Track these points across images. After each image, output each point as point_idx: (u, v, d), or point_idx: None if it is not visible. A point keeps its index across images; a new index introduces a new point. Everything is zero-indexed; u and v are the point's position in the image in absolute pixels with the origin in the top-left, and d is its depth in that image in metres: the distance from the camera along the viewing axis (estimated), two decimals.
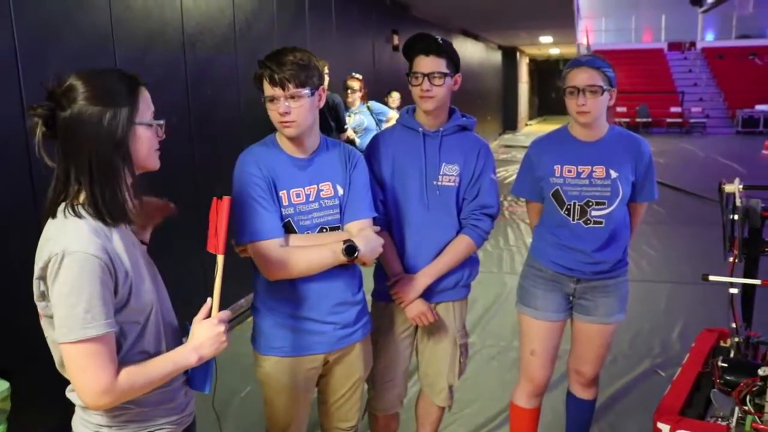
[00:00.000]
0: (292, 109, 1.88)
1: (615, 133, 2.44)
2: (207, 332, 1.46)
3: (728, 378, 2.22)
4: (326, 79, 5.11)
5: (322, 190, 2.00)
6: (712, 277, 2.53)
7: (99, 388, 1.30)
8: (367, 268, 2.13)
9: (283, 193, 1.96)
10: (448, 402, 2.51)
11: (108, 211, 1.35)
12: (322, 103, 1.99)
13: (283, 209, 1.96)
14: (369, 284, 2.45)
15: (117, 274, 1.33)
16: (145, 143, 1.41)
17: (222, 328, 1.48)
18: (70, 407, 1.48)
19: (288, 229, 1.97)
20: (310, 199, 1.98)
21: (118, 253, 1.36)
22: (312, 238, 1.98)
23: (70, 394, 1.45)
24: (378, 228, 2.07)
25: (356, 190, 2.04)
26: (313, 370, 2.08)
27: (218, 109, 4.46)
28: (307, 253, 1.92)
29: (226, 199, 1.56)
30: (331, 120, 5.05)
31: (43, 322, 1.39)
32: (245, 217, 1.88)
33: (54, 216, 1.35)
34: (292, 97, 1.88)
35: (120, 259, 1.35)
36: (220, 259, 1.53)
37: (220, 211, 1.55)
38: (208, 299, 1.51)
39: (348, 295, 2.06)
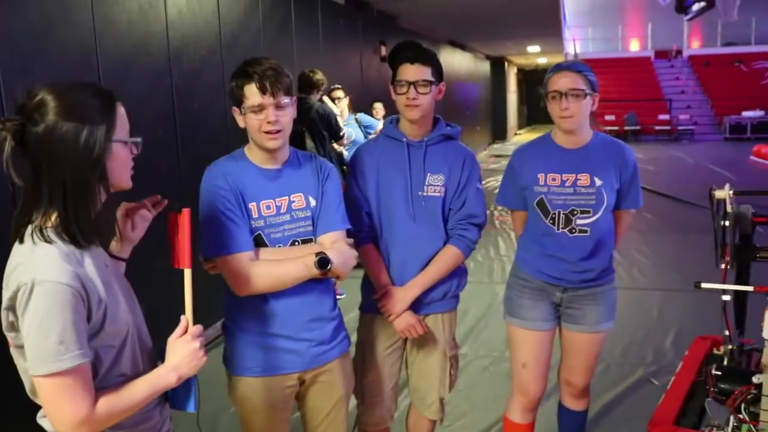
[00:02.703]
0: (280, 118, 1.84)
1: (599, 140, 2.42)
2: (182, 350, 1.41)
3: (722, 386, 2.21)
4: (321, 90, 5.12)
5: (294, 202, 1.95)
6: (704, 285, 2.51)
7: (76, 420, 1.25)
8: (355, 281, 2.09)
9: (252, 205, 1.90)
10: (440, 415, 2.47)
11: (81, 233, 1.29)
12: (295, 114, 1.94)
13: (252, 222, 1.90)
14: (357, 297, 2.42)
15: (90, 301, 1.28)
16: (121, 162, 1.36)
17: (197, 344, 1.43)
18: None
19: (259, 242, 1.91)
20: (282, 211, 1.93)
21: (91, 278, 1.30)
22: (283, 251, 1.92)
23: (41, 420, 1.39)
24: (351, 240, 2.02)
25: (329, 202, 1.99)
26: (289, 389, 2.00)
27: (205, 121, 4.43)
28: (278, 267, 1.86)
29: (186, 211, 1.51)
30: (323, 129, 5.01)
31: (13, 352, 1.33)
32: (213, 230, 1.82)
33: (21, 240, 1.28)
34: (279, 106, 1.84)
35: (93, 284, 1.30)
36: (187, 273, 1.49)
37: (181, 224, 1.51)
38: (182, 317, 1.46)
39: (322, 311, 2.00)
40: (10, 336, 1.29)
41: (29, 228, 1.29)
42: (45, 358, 1.22)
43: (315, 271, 1.85)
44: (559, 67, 2.36)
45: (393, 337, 2.35)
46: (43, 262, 1.24)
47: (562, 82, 2.30)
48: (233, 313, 1.98)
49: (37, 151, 1.26)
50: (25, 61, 2.95)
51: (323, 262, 1.84)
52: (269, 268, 1.85)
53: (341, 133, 5.26)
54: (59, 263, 1.25)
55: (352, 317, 2.49)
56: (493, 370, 3.93)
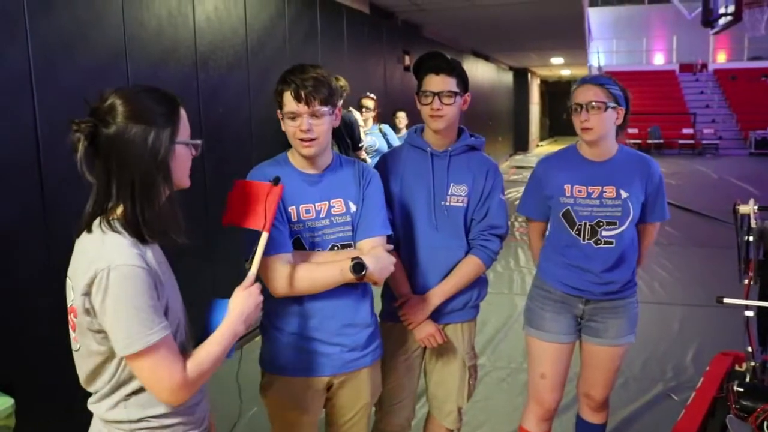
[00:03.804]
0: (314, 127, 1.87)
1: (624, 153, 2.43)
2: (249, 300, 1.53)
3: (744, 403, 2.18)
4: (343, 97, 5.15)
5: (334, 207, 1.97)
6: (726, 300, 2.49)
7: (176, 385, 1.36)
8: (376, 289, 2.10)
9: (292, 209, 1.93)
10: (457, 424, 2.47)
11: (146, 228, 1.37)
12: (337, 123, 1.98)
13: (292, 225, 1.93)
14: (377, 305, 2.43)
15: (157, 285, 1.37)
16: (183, 162, 1.44)
17: (261, 297, 1.57)
18: (78, 422, 1.47)
19: (298, 246, 1.94)
20: (321, 216, 1.95)
21: (155, 267, 1.38)
22: (321, 255, 1.94)
23: (92, 406, 1.45)
24: (391, 246, 2.03)
25: (370, 207, 2.00)
26: (319, 392, 2.04)
27: (230, 127, 4.48)
28: (313, 270, 1.88)
29: (281, 185, 1.69)
30: (347, 137, 5.05)
31: (81, 336, 1.40)
32: (253, 231, 1.86)
33: (90, 230, 1.37)
34: (315, 115, 1.86)
35: (157, 272, 1.38)
36: (264, 235, 1.64)
37: (274, 195, 1.67)
38: (249, 273, 1.58)
39: (357, 317, 2.01)
40: (86, 320, 1.35)
41: (97, 220, 1.37)
42: (136, 336, 1.30)
43: (350, 276, 1.85)
44: (583, 81, 2.40)
45: (412, 345, 2.36)
46: (114, 248, 1.32)
47: (584, 94, 2.32)
48: (270, 312, 2.01)
49: (108, 151, 1.35)
50: (57, 65, 3.01)
51: (358, 267, 1.84)
52: (305, 271, 1.87)
53: (360, 144, 5.30)
54: (129, 249, 1.33)
55: None
56: (511, 382, 3.91)
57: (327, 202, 1.96)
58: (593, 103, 2.29)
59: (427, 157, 2.29)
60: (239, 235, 1.84)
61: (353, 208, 1.99)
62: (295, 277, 1.85)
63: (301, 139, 1.88)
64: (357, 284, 1.94)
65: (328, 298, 1.93)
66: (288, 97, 1.87)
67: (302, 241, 1.95)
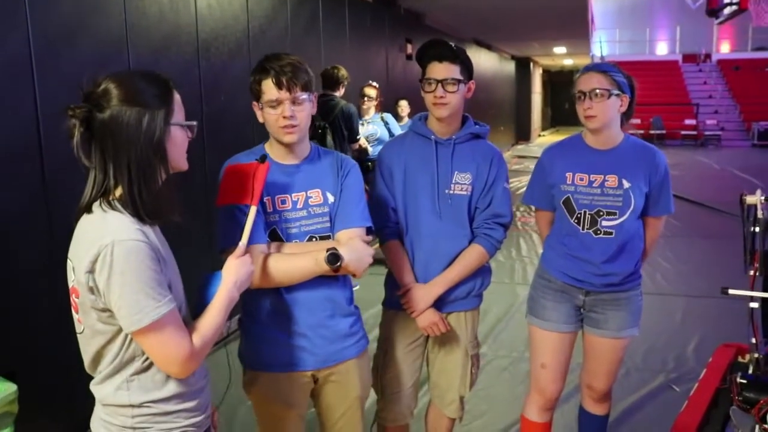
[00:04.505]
0: (296, 113, 1.85)
1: (630, 142, 2.41)
2: (242, 268, 1.58)
3: (747, 395, 2.17)
4: (344, 87, 5.12)
5: (311, 197, 1.94)
6: (731, 291, 2.48)
7: (183, 357, 1.38)
8: (372, 278, 2.06)
9: (267, 199, 1.90)
10: (459, 413, 2.47)
11: (144, 209, 1.37)
12: (314, 110, 1.95)
13: (267, 216, 1.90)
14: (377, 293, 2.42)
15: (161, 261, 1.38)
16: (179, 144, 1.46)
17: (253, 267, 1.64)
18: (81, 409, 1.47)
19: (275, 237, 1.91)
20: (298, 206, 1.92)
21: (158, 245, 1.39)
22: (297, 246, 1.90)
23: (94, 388, 1.46)
24: (370, 238, 2.00)
25: (348, 198, 1.97)
26: (304, 386, 1.99)
27: (231, 115, 4.46)
28: (288, 261, 1.84)
29: (267, 163, 1.76)
30: (345, 129, 5.03)
31: (84, 317, 1.40)
32: (227, 223, 1.83)
33: (90, 211, 1.37)
34: (296, 101, 1.85)
35: (160, 250, 1.39)
36: (252, 209, 1.71)
37: (261, 172, 1.74)
38: (240, 243, 1.64)
39: (337, 307, 1.97)
40: (89, 299, 1.35)
41: (97, 201, 1.38)
42: (143, 310, 1.31)
43: (325, 267, 1.81)
44: (586, 69, 2.38)
45: (415, 333, 2.35)
46: (117, 225, 1.34)
47: (587, 82, 2.31)
48: (248, 307, 1.98)
49: (104, 135, 1.36)
50: (58, 51, 2.98)
51: (333, 258, 1.80)
52: (279, 262, 1.83)
53: (357, 137, 5.27)
54: (131, 226, 1.35)
55: (371, 314, 2.49)
56: (513, 371, 3.92)
57: (304, 193, 1.93)
58: (597, 91, 2.27)
59: (431, 144, 2.27)
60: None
61: (331, 199, 1.96)
62: (269, 267, 1.81)
63: (284, 126, 1.86)
64: (337, 275, 1.90)
65: (306, 289, 1.89)
66: (268, 85, 1.85)
67: (279, 233, 1.91)
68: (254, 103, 1.92)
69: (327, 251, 1.81)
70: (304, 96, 1.86)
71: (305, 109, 1.88)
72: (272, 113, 1.86)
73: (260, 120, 1.93)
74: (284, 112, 1.84)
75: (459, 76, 2.20)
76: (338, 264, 1.81)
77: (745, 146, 19.64)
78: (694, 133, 20.57)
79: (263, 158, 1.77)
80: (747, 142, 19.97)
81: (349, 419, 2.07)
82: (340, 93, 5.09)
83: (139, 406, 1.41)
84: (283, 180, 1.93)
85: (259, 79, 1.87)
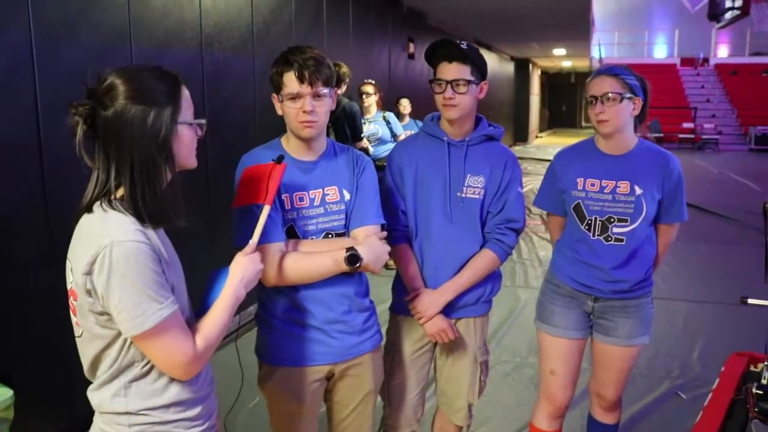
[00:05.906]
0: (316, 108, 1.82)
1: (643, 147, 2.36)
2: (251, 266, 1.54)
3: (764, 406, 2.13)
4: (346, 84, 5.07)
5: (328, 195, 1.92)
6: (751, 301, 2.43)
7: (187, 360, 1.34)
8: (384, 278, 2.04)
9: (285, 197, 1.88)
10: (467, 421, 2.41)
11: (146, 211, 1.32)
12: (333, 106, 1.92)
13: (285, 213, 1.88)
14: (385, 295, 2.36)
15: (162, 264, 1.33)
16: (187, 142, 1.40)
17: (262, 265, 1.60)
18: (80, 412, 1.41)
19: (291, 234, 1.89)
20: (315, 204, 1.91)
21: (160, 247, 1.35)
22: (315, 243, 1.89)
23: (91, 394, 1.41)
24: (385, 234, 1.98)
25: (364, 196, 1.96)
26: (318, 383, 1.98)
27: (233, 110, 4.40)
28: (307, 260, 1.83)
29: (284, 164, 1.72)
30: (348, 128, 4.98)
31: (82, 320, 1.35)
32: (244, 220, 1.79)
33: (90, 211, 1.33)
34: (317, 96, 1.82)
35: (162, 252, 1.34)
36: (266, 208, 1.67)
37: (277, 172, 1.70)
38: (251, 241, 1.60)
39: (354, 303, 1.96)
40: (87, 301, 1.30)
41: (98, 201, 1.33)
42: (145, 313, 1.26)
43: (344, 267, 1.82)
44: (598, 72, 2.33)
45: (423, 339, 2.30)
46: (117, 225, 1.29)
47: (599, 86, 2.26)
48: (266, 302, 1.96)
49: (107, 133, 1.30)
50: (60, 45, 2.92)
51: (353, 258, 1.81)
52: (298, 261, 1.82)
53: (362, 135, 5.23)
54: (132, 227, 1.29)
55: (378, 313, 2.44)
56: (516, 376, 3.86)
57: (321, 190, 1.92)
58: (609, 95, 2.22)
59: (443, 146, 2.22)
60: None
61: (347, 196, 1.95)
62: (287, 267, 1.80)
63: (303, 121, 1.83)
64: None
65: (325, 286, 1.89)
66: (290, 78, 1.82)
67: (296, 230, 1.90)
68: (273, 95, 1.89)
69: (347, 251, 1.81)
70: (325, 91, 1.84)
71: (325, 104, 1.85)
72: (292, 107, 1.83)
73: (279, 112, 1.90)
74: (304, 106, 1.81)
75: (469, 77, 2.14)
76: (358, 265, 1.82)
77: (743, 150, 19.68)
78: (692, 136, 20.60)
79: (280, 158, 1.74)
80: (744, 146, 20.02)
81: (360, 412, 2.08)
82: (341, 91, 5.04)
83: (137, 413, 1.36)
84: (300, 177, 1.91)
85: (281, 71, 1.83)
